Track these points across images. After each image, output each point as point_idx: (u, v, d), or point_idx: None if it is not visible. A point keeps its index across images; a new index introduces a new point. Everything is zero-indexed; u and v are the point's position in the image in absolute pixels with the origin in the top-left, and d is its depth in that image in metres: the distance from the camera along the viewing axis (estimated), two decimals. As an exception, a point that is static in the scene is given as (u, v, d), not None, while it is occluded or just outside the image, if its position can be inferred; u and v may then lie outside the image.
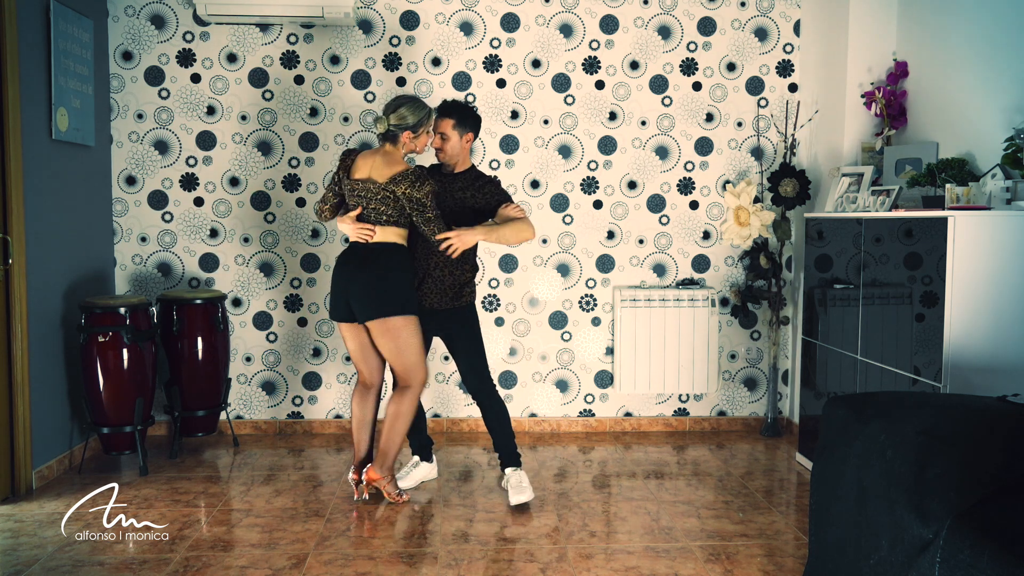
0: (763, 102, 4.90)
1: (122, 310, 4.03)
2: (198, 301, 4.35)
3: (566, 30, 4.81)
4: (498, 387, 4.87)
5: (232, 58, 4.71)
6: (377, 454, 3.67)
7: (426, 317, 3.70)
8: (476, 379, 3.74)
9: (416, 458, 3.97)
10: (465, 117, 3.70)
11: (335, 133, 4.76)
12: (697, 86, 4.88)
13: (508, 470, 3.77)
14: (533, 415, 4.94)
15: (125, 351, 4.02)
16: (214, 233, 4.77)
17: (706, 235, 4.94)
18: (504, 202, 3.71)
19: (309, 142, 4.77)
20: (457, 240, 3.50)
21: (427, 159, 4.62)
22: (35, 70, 3.91)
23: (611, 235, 4.90)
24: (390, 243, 3.54)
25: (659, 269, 4.94)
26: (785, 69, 4.90)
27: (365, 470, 3.68)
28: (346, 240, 4.76)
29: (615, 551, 3.21)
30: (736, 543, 3.29)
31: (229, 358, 4.58)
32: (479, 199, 3.71)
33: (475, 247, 3.74)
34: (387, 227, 3.54)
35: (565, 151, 4.86)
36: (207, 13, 4.43)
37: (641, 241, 4.92)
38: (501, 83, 4.80)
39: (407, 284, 3.55)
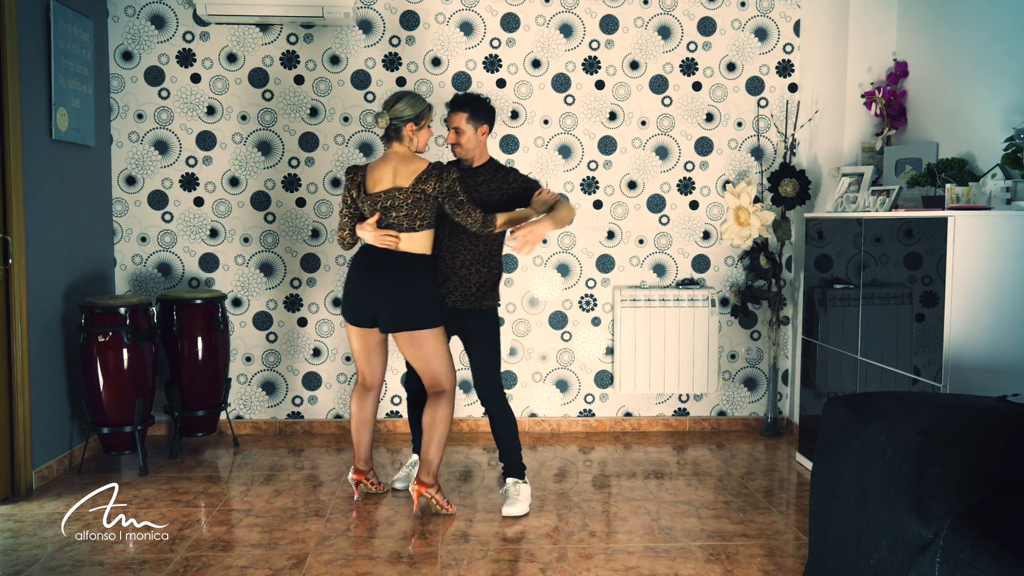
0: (763, 102, 4.90)
1: (122, 310, 4.03)
2: (198, 301, 4.35)
3: (566, 30, 4.81)
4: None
5: (232, 58, 4.71)
6: (420, 464, 3.55)
7: (447, 315, 3.61)
8: (486, 386, 3.62)
9: (415, 456, 3.95)
10: (479, 109, 3.60)
11: (335, 133, 4.76)
12: (697, 86, 4.88)
13: (509, 480, 3.66)
14: (533, 415, 4.94)
15: (125, 351, 4.02)
16: (214, 233, 4.77)
17: (706, 235, 4.94)
18: (535, 189, 3.63)
19: (309, 142, 4.77)
20: (531, 235, 3.39)
21: (435, 155, 4.61)
22: (35, 70, 3.91)
23: (611, 235, 4.90)
24: (416, 254, 3.45)
25: (659, 269, 4.94)
26: (785, 69, 4.90)
27: (412, 482, 3.55)
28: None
29: (615, 551, 3.21)
30: (736, 543, 3.29)
31: (229, 358, 4.58)
32: (505, 189, 3.62)
33: (501, 243, 3.67)
34: (414, 233, 3.44)
35: (565, 151, 4.86)
36: (207, 13, 4.43)
37: (641, 241, 4.92)
38: (501, 83, 4.80)
39: (433, 295, 3.49)
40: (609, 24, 4.82)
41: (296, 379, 4.85)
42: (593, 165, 4.87)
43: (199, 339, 4.34)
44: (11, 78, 3.67)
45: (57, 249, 4.10)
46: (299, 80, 4.74)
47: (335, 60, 4.74)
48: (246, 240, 4.78)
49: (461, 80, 4.78)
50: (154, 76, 4.69)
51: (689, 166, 4.91)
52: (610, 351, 4.93)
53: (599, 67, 4.84)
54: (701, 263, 4.95)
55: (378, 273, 3.44)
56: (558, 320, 4.90)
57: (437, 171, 3.40)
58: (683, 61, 4.86)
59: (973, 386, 3.05)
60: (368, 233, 3.44)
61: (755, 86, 4.90)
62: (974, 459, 2.05)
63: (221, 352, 4.44)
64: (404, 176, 3.41)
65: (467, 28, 4.77)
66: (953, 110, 3.78)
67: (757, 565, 3.08)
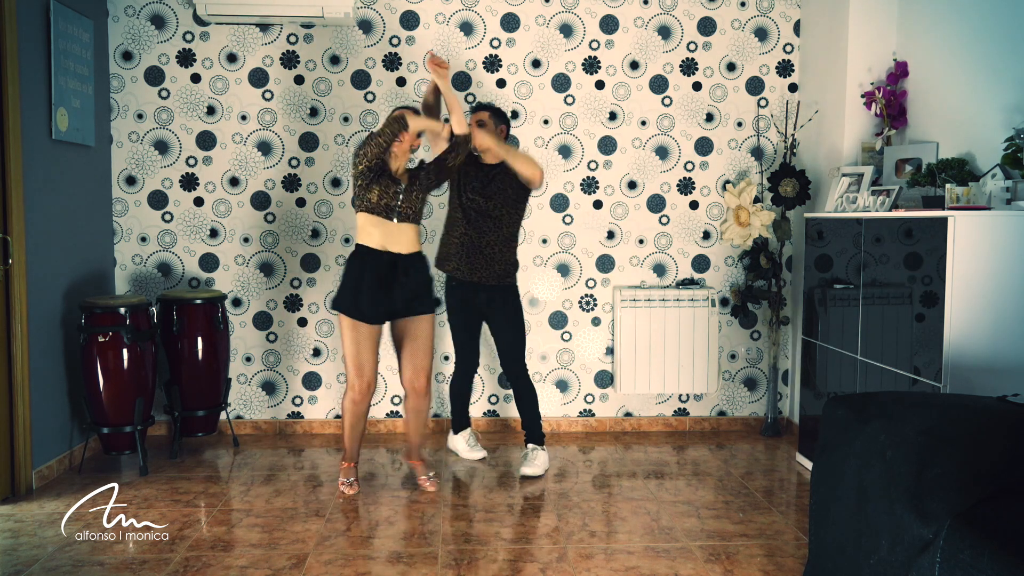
0: (763, 102, 4.90)
1: (122, 310, 4.03)
2: (198, 301, 4.35)
3: (566, 30, 4.81)
4: (498, 386, 4.88)
5: (232, 58, 4.71)
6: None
7: (472, 291, 4.08)
8: (512, 361, 4.12)
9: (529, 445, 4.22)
10: (500, 113, 4.20)
11: (335, 133, 4.76)
12: (697, 86, 4.88)
13: (530, 445, 4.15)
14: (533, 415, 4.93)
15: (125, 351, 4.02)
16: (214, 233, 4.77)
17: (706, 235, 4.94)
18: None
19: (309, 142, 4.77)
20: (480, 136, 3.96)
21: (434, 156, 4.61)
22: (35, 70, 3.91)
23: (611, 235, 4.90)
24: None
25: (659, 269, 4.94)
26: (785, 69, 4.90)
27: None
28: (346, 240, 4.77)
29: (615, 551, 3.21)
30: (736, 543, 3.29)
31: (229, 358, 4.57)
32: (512, 183, 4.05)
33: (517, 232, 4.13)
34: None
35: (565, 151, 4.86)
36: (207, 13, 4.43)
37: (641, 241, 4.92)
38: (501, 83, 4.80)
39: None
40: (609, 24, 4.82)
41: (296, 379, 4.85)
42: (593, 165, 4.87)
43: (199, 339, 4.34)
44: (11, 78, 3.67)
45: (57, 249, 4.10)
46: (299, 80, 4.74)
47: (335, 60, 4.74)
48: (246, 240, 4.78)
49: (461, 80, 4.78)
50: (154, 76, 4.69)
51: (689, 166, 4.91)
52: (610, 351, 4.93)
53: (599, 67, 4.84)
54: (701, 263, 4.95)
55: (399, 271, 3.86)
56: (558, 320, 4.90)
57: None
58: (683, 61, 4.86)
59: (973, 386, 3.05)
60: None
61: (755, 86, 4.89)
62: (974, 459, 2.05)
63: (221, 352, 4.44)
64: None
65: (467, 28, 4.77)
66: (953, 110, 3.78)
67: (757, 565, 3.08)
